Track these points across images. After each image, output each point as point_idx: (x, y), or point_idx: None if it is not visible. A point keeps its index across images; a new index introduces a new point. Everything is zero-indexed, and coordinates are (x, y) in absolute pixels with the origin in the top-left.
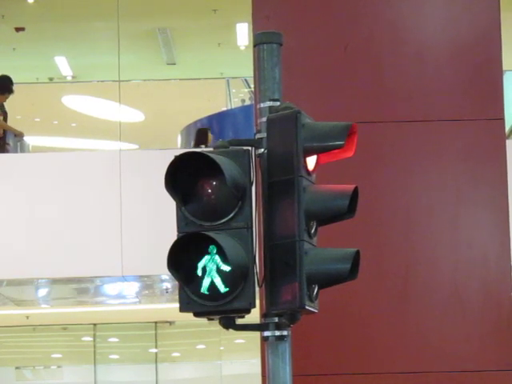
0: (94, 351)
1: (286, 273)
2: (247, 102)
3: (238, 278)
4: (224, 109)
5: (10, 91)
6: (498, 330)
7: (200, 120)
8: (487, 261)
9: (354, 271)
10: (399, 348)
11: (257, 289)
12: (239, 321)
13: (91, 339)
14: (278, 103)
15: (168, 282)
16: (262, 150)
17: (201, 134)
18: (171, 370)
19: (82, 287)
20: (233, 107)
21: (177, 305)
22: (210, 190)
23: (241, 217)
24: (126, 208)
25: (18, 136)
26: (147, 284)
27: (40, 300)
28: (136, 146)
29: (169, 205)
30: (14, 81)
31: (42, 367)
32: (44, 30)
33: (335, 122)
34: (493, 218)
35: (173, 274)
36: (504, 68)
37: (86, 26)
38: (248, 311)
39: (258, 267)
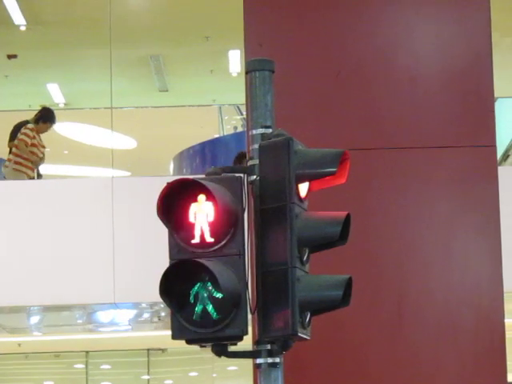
0: (87, 378)
1: (278, 300)
2: (239, 129)
3: (230, 305)
4: (216, 136)
5: (53, 121)
6: (490, 355)
7: (192, 147)
8: (480, 286)
9: (346, 298)
10: (393, 373)
11: (249, 316)
12: (232, 348)
13: (83, 366)
14: (270, 130)
15: (160, 309)
16: (255, 176)
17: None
18: None
19: (74, 314)
20: (225, 134)
21: (169, 332)
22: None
23: (233, 244)
24: (119, 235)
25: (35, 165)
26: (139, 311)
27: (32, 327)
28: (128, 173)
29: (161, 231)
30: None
31: None
32: (36, 58)
33: (327, 149)
34: (485, 244)
35: (165, 301)
36: (496, 95)
37: (79, 53)
38: (240, 338)
39: (250, 294)
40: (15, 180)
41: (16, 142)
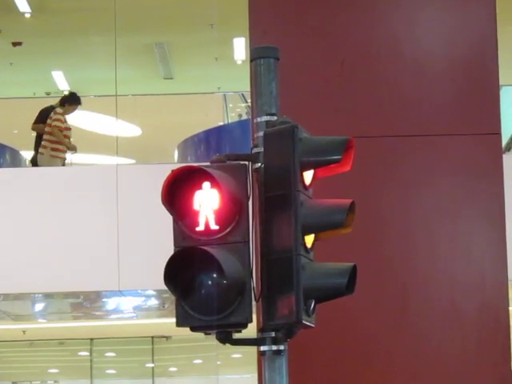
0: (91, 366)
1: (282, 287)
2: (244, 117)
3: (234, 293)
4: (221, 123)
5: (78, 102)
6: (494, 343)
7: (197, 134)
8: (484, 276)
9: (350, 286)
10: (397, 363)
11: (254, 303)
12: (236, 335)
13: (88, 354)
14: (274, 118)
15: (165, 296)
16: (259, 164)
17: None
18: None
19: (78, 302)
20: (230, 122)
21: (173, 319)
22: None
23: (238, 231)
24: (123, 222)
25: (71, 150)
26: (144, 298)
27: (37, 315)
28: (133, 161)
29: (166, 219)
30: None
31: (39, 382)
32: (41, 45)
33: (332, 137)
34: (489, 233)
35: (169, 289)
36: (501, 83)
37: (83, 40)
38: (245, 326)
39: (254, 282)
40: (41, 167)
41: (48, 128)
